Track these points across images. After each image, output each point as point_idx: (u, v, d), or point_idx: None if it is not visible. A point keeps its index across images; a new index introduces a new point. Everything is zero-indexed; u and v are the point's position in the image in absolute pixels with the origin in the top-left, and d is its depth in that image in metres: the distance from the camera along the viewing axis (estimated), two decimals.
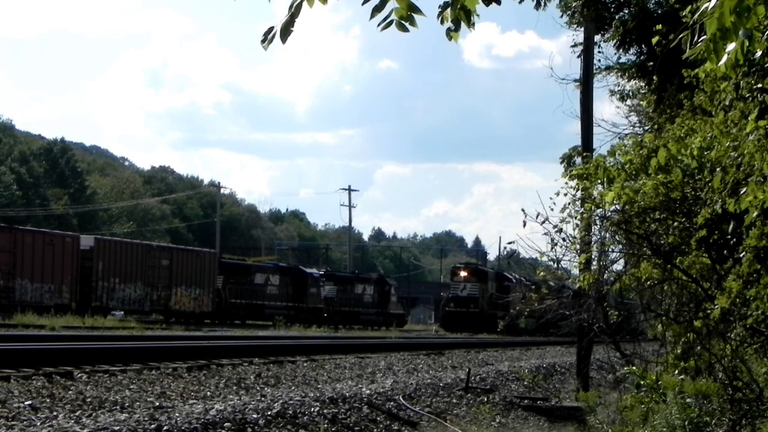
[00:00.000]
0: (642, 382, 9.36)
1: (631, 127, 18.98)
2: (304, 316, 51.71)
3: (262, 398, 10.41)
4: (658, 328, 11.20)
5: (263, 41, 4.13)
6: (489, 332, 54.54)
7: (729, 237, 8.39)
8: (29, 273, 38.17)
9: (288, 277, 54.72)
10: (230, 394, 10.89)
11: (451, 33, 4.35)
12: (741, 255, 7.84)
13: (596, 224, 10.89)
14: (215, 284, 48.13)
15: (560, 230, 10.73)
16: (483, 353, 25.52)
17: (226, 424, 8.55)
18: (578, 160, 14.90)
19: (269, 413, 9.37)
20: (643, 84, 16.97)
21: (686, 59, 4.71)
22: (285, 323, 46.73)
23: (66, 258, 39.73)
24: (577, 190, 10.22)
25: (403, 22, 4.12)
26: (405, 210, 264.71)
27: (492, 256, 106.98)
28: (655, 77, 12.31)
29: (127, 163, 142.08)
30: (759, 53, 6.11)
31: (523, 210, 10.74)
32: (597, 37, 16.78)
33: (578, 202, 10.37)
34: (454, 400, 13.33)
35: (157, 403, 9.46)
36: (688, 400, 8.46)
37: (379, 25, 4.14)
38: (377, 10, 4.11)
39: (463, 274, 61.15)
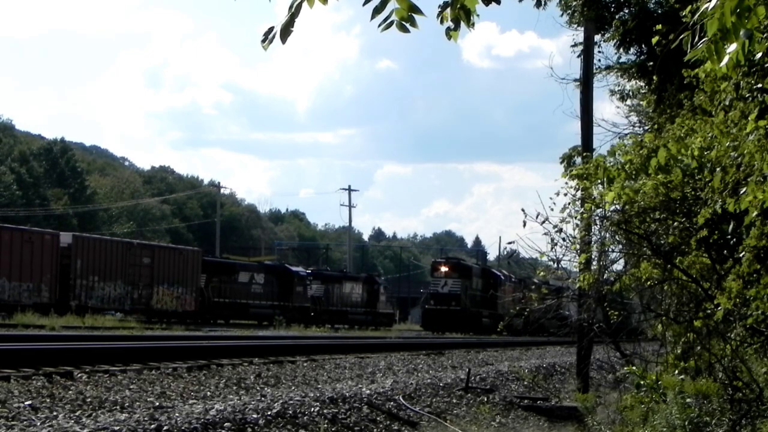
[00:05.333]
0: (642, 382, 9.35)
1: (631, 127, 18.99)
2: (290, 315, 50.90)
3: (262, 398, 10.41)
4: (658, 328, 11.19)
5: (263, 41, 4.13)
6: (474, 332, 52.92)
7: (729, 237, 8.39)
8: (7, 271, 37.44)
9: (273, 275, 54.05)
10: (230, 394, 10.89)
11: (451, 32, 4.35)
12: (741, 255, 7.83)
13: (596, 224, 10.89)
14: (198, 283, 47.47)
15: (560, 230, 10.73)
16: (483, 353, 25.53)
17: (226, 424, 8.55)
18: (578, 160, 14.89)
19: (269, 413, 9.37)
20: (643, 84, 16.96)
21: (687, 60, 4.71)
22: (272, 324, 46.43)
23: (45, 256, 39.01)
24: (577, 190, 10.22)
25: (403, 22, 4.12)
26: (405, 210, 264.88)
27: (492, 256, 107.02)
28: (655, 77, 12.29)
29: (127, 163, 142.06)
30: (759, 54, 6.11)
31: (523, 210, 10.75)
32: (597, 37, 16.77)
33: (578, 202, 10.36)
34: (454, 400, 13.32)
35: (157, 403, 9.46)
36: (688, 400, 8.46)
37: (379, 25, 4.15)
38: (378, 11, 4.10)
39: (444, 269, 57.87)
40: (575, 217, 10.47)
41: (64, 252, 40.33)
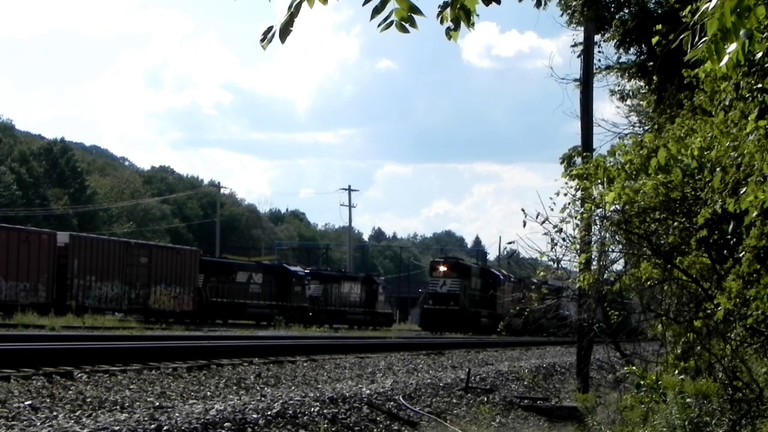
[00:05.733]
0: (642, 382, 9.35)
1: (631, 127, 19.00)
2: (288, 315, 50.41)
3: (262, 398, 10.41)
4: (658, 328, 11.19)
5: (262, 41, 4.13)
6: (473, 332, 52.39)
7: (729, 237, 8.39)
8: (3, 271, 37.07)
9: (272, 275, 53.67)
10: (230, 394, 10.89)
11: (451, 32, 4.35)
12: (741, 255, 7.84)
13: (596, 224, 10.89)
14: (196, 283, 47.19)
15: (560, 230, 10.73)
16: (483, 353, 25.53)
17: (226, 424, 8.55)
18: (578, 160, 14.90)
19: (269, 413, 9.37)
20: (643, 84, 16.97)
21: (687, 60, 4.71)
22: (272, 324, 46.17)
23: (42, 255, 38.70)
24: (577, 190, 10.22)
25: (403, 23, 4.12)
26: (405, 210, 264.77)
27: (492, 256, 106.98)
28: (655, 77, 12.30)
29: (127, 163, 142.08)
30: (759, 54, 6.11)
31: (523, 210, 10.74)
32: (597, 37, 16.78)
33: (578, 202, 10.36)
34: (454, 400, 13.33)
35: (157, 403, 9.46)
36: (688, 400, 8.46)
37: (379, 25, 4.14)
38: (377, 11, 4.10)
39: (442, 268, 57.03)
40: (575, 217, 10.47)
41: (61, 252, 40.04)
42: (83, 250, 41.36)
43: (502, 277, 60.59)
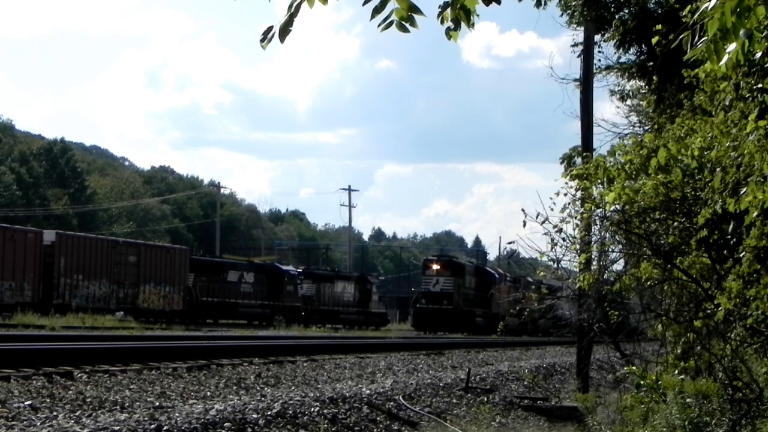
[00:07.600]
0: (642, 382, 9.36)
1: (631, 127, 19.03)
2: (281, 315, 49.63)
3: (262, 398, 10.41)
4: (658, 328, 11.20)
5: (262, 41, 4.13)
6: (467, 332, 51.70)
7: (729, 237, 8.40)
8: None
9: (263, 274, 53.12)
10: (230, 394, 10.89)
11: (451, 32, 4.35)
12: (741, 255, 7.84)
13: (596, 224, 10.91)
14: (186, 282, 46.72)
15: (560, 230, 10.75)
16: (483, 353, 25.52)
17: (226, 424, 8.55)
18: (578, 160, 14.92)
19: (269, 413, 9.37)
20: (643, 84, 16.99)
21: (686, 59, 4.71)
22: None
23: (28, 254, 38.11)
24: (577, 190, 10.23)
25: (403, 22, 4.12)
26: (405, 210, 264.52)
27: (492, 256, 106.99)
28: (655, 77, 12.32)
29: (127, 163, 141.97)
30: (759, 54, 6.11)
31: (523, 210, 10.76)
32: (597, 37, 16.79)
33: (578, 202, 10.38)
34: (454, 400, 13.33)
35: (157, 403, 9.46)
36: (688, 400, 8.46)
37: (379, 25, 4.15)
38: (377, 11, 4.10)
39: (435, 267, 55.46)
40: (575, 217, 10.49)
41: (47, 250, 39.51)
42: (70, 249, 40.86)
43: (498, 276, 59.82)
